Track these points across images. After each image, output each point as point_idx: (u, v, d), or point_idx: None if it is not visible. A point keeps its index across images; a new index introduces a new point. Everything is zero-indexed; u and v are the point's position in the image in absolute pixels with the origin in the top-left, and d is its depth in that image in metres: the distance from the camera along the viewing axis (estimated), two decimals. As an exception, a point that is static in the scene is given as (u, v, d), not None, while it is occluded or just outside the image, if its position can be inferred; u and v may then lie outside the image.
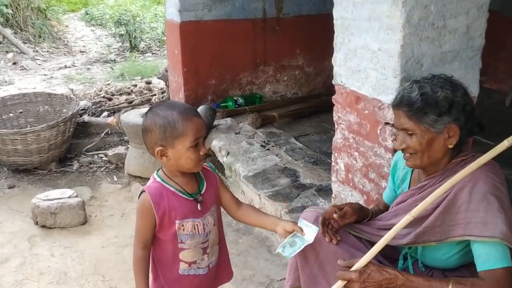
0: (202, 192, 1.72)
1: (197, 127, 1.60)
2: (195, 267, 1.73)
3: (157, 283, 1.76)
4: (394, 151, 2.06)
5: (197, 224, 1.68)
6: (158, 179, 1.68)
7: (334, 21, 2.31)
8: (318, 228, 1.69)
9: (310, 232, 1.66)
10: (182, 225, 1.66)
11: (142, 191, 1.66)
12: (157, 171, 1.72)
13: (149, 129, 1.60)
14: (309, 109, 4.45)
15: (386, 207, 2.00)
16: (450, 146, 1.60)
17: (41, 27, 9.38)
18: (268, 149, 3.71)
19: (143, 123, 1.65)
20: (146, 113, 1.65)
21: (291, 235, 1.69)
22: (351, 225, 1.84)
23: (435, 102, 1.56)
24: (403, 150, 1.66)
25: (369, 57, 2.13)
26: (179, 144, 1.58)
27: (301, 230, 1.68)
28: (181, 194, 1.66)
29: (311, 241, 1.64)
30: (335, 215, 1.79)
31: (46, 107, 4.74)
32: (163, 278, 1.74)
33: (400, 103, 1.62)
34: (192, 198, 1.68)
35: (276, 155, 3.61)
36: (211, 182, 1.77)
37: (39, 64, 8.18)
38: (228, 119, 4.24)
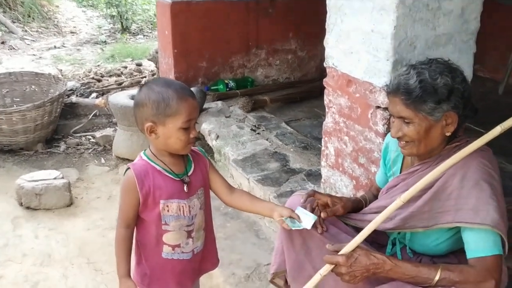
0: (189, 174, 1.68)
1: (191, 109, 1.57)
2: (179, 251, 1.69)
3: (140, 268, 1.73)
4: (385, 135, 2.02)
5: (182, 206, 1.65)
6: (145, 158, 1.65)
7: (327, 1, 2.26)
8: (316, 217, 1.68)
9: (307, 219, 1.66)
10: (167, 206, 1.63)
11: (127, 168, 1.62)
12: (144, 150, 1.69)
13: (142, 104, 1.57)
14: (301, 94, 4.40)
15: (379, 190, 1.97)
16: (448, 134, 1.55)
17: (31, 6, 9.18)
18: (258, 133, 3.67)
19: (136, 97, 1.61)
20: (141, 87, 1.62)
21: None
22: None
23: (434, 90, 1.49)
24: (399, 139, 1.60)
25: (361, 38, 2.07)
26: (171, 123, 1.55)
27: (298, 217, 1.66)
28: (167, 174, 1.63)
29: (309, 228, 1.65)
30: (323, 214, 1.74)
31: (33, 86, 4.64)
32: (146, 262, 1.71)
33: (397, 91, 1.54)
34: (178, 179, 1.65)
35: (266, 140, 3.57)
36: (200, 165, 1.74)
37: (28, 44, 8.03)
38: (219, 102, 4.18)
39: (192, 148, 1.71)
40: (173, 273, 1.71)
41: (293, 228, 1.66)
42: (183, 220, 1.66)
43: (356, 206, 1.86)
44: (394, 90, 1.56)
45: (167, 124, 1.55)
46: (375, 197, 1.95)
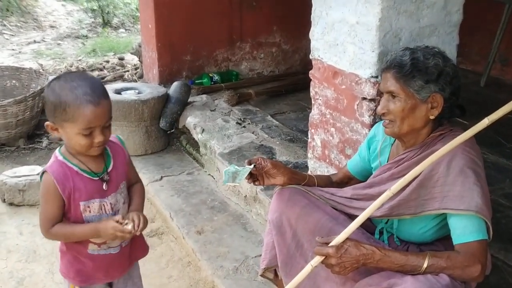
0: (108, 170, 1.61)
1: (91, 117, 1.44)
2: (105, 247, 1.65)
3: (70, 264, 1.69)
4: (371, 126, 2.04)
5: (103, 205, 1.60)
6: (60, 157, 1.56)
7: (312, -6, 2.26)
8: (249, 169, 1.78)
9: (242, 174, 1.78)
10: (88, 207, 1.57)
11: (44, 172, 1.54)
12: (60, 148, 1.60)
13: (44, 100, 1.52)
14: (286, 87, 4.40)
15: (346, 176, 1.99)
16: (432, 117, 1.59)
17: (9, 0, 9.00)
18: (244, 127, 3.66)
19: (45, 89, 1.54)
20: (52, 80, 1.53)
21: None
22: (323, 195, 1.83)
23: (425, 68, 1.56)
24: (383, 115, 1.64)
25: (346, 30, 2.09)
26: (68, 128, 1.47)
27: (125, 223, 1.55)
28: (85, 174, 1.56)
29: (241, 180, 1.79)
30: (256, 183, 1.85)
31: (13, 81, 4.56)
32: (72, 258, 1.67)
33: (390, 66, 1.61)
34: (97, 178, 1.58)
35: (252, 133, 3.57)
36: (119, 158, 1.66)
37: (7, 39, 7.88)
38: (204, 96, 4.16)
39: (110, 138, 1.60)
40: (100, 267, 1.67)
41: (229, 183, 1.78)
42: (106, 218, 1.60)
43: (292, 170, 1.91)
44: (388, 65, 1.62)
45: (65, 128, 1.48)
46: (331, 182, 1.98)
